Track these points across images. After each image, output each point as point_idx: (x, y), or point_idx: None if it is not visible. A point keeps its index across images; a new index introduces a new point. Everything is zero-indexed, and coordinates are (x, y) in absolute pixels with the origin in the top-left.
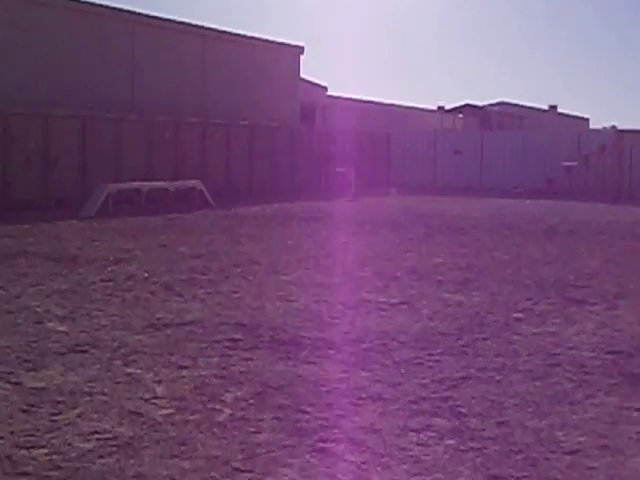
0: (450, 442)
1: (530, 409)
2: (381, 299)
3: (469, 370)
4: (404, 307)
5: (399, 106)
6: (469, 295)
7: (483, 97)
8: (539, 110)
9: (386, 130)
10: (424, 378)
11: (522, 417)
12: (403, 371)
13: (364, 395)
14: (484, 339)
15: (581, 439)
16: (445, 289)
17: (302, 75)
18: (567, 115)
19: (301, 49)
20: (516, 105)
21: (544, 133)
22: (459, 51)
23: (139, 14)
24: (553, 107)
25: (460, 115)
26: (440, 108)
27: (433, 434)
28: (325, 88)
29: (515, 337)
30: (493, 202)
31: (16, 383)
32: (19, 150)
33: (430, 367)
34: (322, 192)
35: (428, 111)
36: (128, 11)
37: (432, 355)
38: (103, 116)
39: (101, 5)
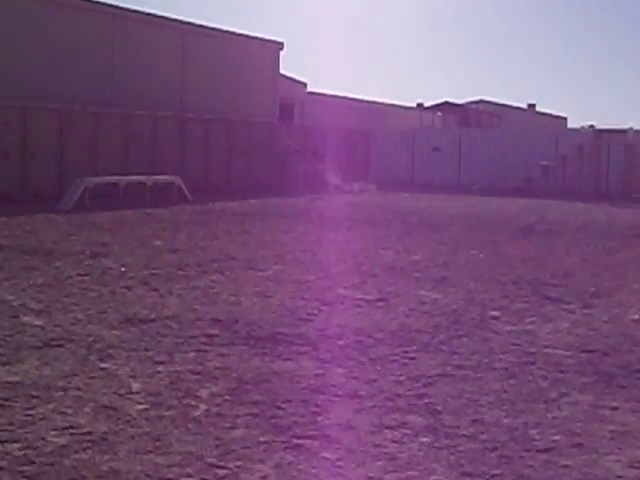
0: (425, 439)
1: (505, 407)
2: (358, 296)
3: (445, 368)
4: (381, 304)
5: (379, 103)
6: (446, 292)
7: (462, 95)
8: (518, 108)
9: (366, 127)
10: (400, 375)
11: (497, 415)
12: (379, 368)
13: (340, 392)
14: (460, 337)
15: (555, 437)
16: (422, 286)
17: (281, 71)
18: (545, 114)
19: (281, 45)
20: (495, 103)
21: (523, 131)
22: (439, 49)
23: (118, 7)
24: (532, 105)
25: (439, 113)
26: (419, 105)
27: (408, 431)
28: (305, 84)
29: (491, 335)
30: (471, 200)
31: None
32: None
33: (406, 364)
34: (300, 188)
35: (407, 108)
36: (108, 4)
37: (408, 352)
38: (81, 110)
39: None
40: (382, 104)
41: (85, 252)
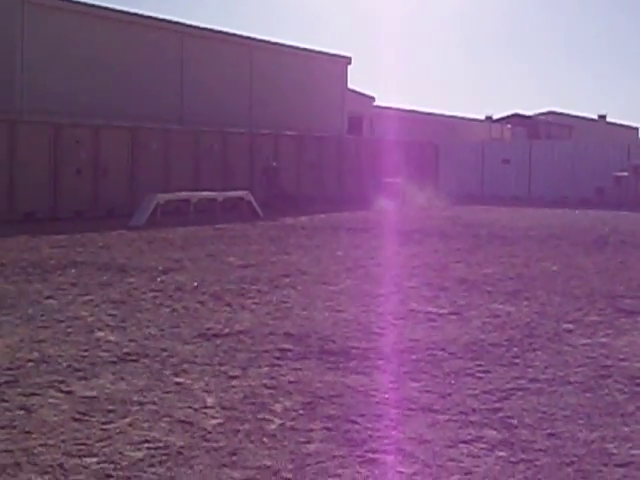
0: (501, 454)
1: (581, 421)
2: (430, 309)
3: (519, 381)
4: (453, 317)
5: (447, 116)
6: (519, 306)
7: (531, 107)
8: (588, 119)
9: (434, 140)
10: (474, 389)
11: (573, 429)
12: (453, 382)
13: (414, 406)
14: (534, 350)
15: (633, 451)
16: (494, 299)
17: (349, 85)
18: (616, 124)
19: (348, 59)
20: (565, 114)
21: (593, 142)
22: (508, 60)
23: (187, 25)
24: (602, 116)
25: (508, 125)
26: (488, 118)
27: (484, 445)
28: (372, 98)
29: (565, 348)
30: (542, 212)
31: (68, 392)
32: (70, 160)
33: (480, 378)
34: (370, 202)
35: (476, 121)
36: (177, 22)
37: (482, 366)
38: (152, 127)
39: (150, 17)
40: (451, 117)
41: (158, 268)
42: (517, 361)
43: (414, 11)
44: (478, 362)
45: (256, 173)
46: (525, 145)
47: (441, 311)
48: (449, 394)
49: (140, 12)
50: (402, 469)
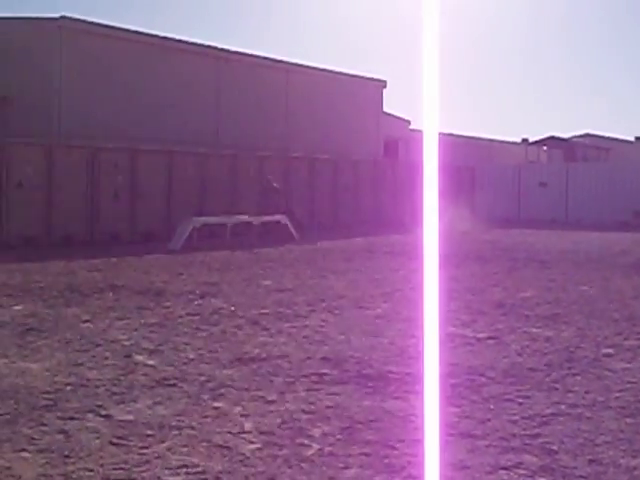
0: None
1: (623, 447)
2: (468, 333)
3: (559, 406)
4: (491, 342)
5: (483, 139)
6: (557, 330)
7: (568, 129)
8: (625, 141)
9: (470, 163)
10: (514, 414)
11: (615, 455)
12: (492, 407)
13: (453, 431)
14: (574, 375)
15: None
16: (533, 323)
17: (385, 109)
18: None
19: (384, 83)
20: (601, 137)
21: (631, 164)
22: (543, 83)
23: (223, 50)
24: (639, 138)
25: (545, 147)
26: (524, 141)
27: (524, 472)
28: (408, 121)
29: (606, 373)
30: (579, 235)
31: (106, 416)
32: (107, 184)
33: (520, 403)
34: (406, 225)
35: (512, 144)
36: (213, 47)
37: (521, 391)
38: (188, 151)
39: (186, 41)
40: (487, 140)
41: (195, 292)
42: (557, 386)
43: (450, 34)
44: (517, 387)
45: (256, 195)
46: (562, 168)
47: (479, 335)
48: (488, 419)
49: (176, 37)
50: None
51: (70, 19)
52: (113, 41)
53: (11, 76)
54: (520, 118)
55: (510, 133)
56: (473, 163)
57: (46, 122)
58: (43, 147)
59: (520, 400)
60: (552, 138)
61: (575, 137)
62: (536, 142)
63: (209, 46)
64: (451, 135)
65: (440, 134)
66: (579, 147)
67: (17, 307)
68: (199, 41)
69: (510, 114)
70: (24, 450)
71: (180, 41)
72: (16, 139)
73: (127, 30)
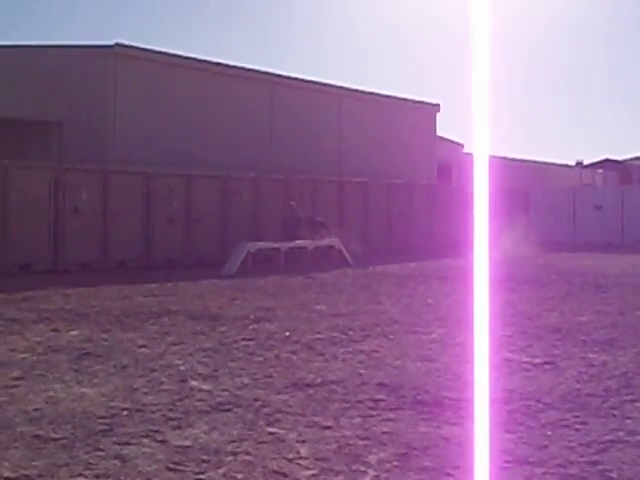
0: None
1: None
2: (524, 359)
3: (618, 433)
4: (548, 367)
5: (537, 162)
6: (615, 355)
7: (623, 152)
8: None
9: (525, 186)
10: (571, 441)
11: None
12: (549, 433)
13: (510, 458)
14: (632, 401)
15: None
16: (590, 349)
17: (438, 133)
18: None
19: (437, 107)
20: None
21: None
22: (597, 105)
23: (276, 75)
24: None
25: (600, 170)
26: (579, 163)
27: None
28: (461, 145)
29: None
30: (635, 258)
31: (162, 441)
32: (162, 210)
33: (577, 430)
34: (460, 249)
35: (567, 166)
36: (266, 72)
37: (579, 417)
38: (242, 176)
39: (240, 67)
40: (541, 163)
41: (250, 317)
42: (615, 412)
43: (501, 54)
44: (574, 413)
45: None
46: (617, 190)
47: (535, 360)
48: (546, 446)
49: (231, 63)
50: None
51: (125, 46)
52: (167, 67)
53: (67, 103)
54: (574, 140)
55: (564, 156)
56: (527, 186)
57: (101, 148)
58: (99, 173)
59: (577, 426)
60: (607, 161)
61: (631, 159)
62: (591, 165)
63: (263, 72)
64: (504, 158)
65: (492, 157)
66: (634, 169)
67: (73, 332)
68: (253, 67)
69: (564, 136)
70: (81, 475)
71: (234, 67)
72: (72, 165)
73: (181, 56)
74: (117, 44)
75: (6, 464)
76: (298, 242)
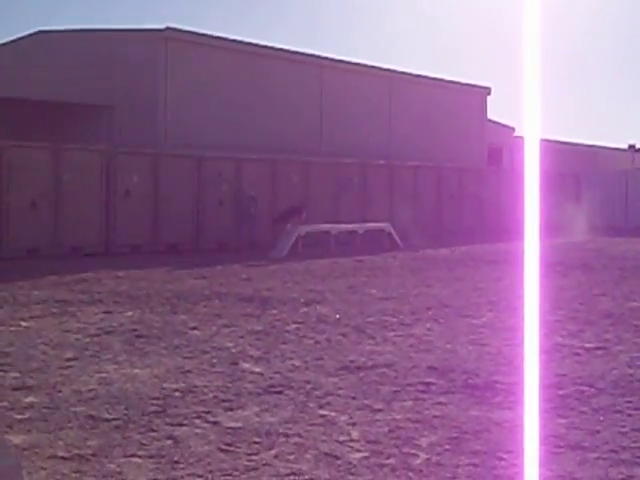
0: None
1: None
2: (576, 344)
3: None
4: (600, 352)
5: (589, 145)
6: None
7: None
8: None
9: (576, 170)
10: (623, 426)
11: None
12: (601, 418)
13: (562, 443)
14: None
15: None
16: None
17: (489, 116)
18: None
19: (488, 90)
20: None
21: None
22: None
23: (326, 58)
24: None
25: None
26: (631, 147)
27: None
28: (512, 129)
29: None
30: None
31: (214, 422)
32: (212, 192)
33: (630, 415)
34: (510, 233)
35: (619, 150)
36: (316, 56)
37: (631, 403)
38: (292, 159)
39: (290, 50)
40: (593, 146)
41: (300, 300)
42: None
43: (552, 37)
44: (627, 398)
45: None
46: None
47: (587, 345)
48: (598, 431)
49: (280, 46)
50: None
51: (176, 30)
52: (218, 51)
53: (118, 86)
54: (626, 124)
55: (617, 139)
56: (579, 170)
57: (152, 132)
58: (150, 156)
59: (630, 412)
60: None
61: None
62: None
63: (313, 55)
64: (556, 142)
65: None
66: None
67: (125, 314)
68: (303, 50)
69: (616, 120)
70: (134, 455)
71: (284, 50)
72: (124, 148)
73: (232, 40)
74: (168, 28)
75: (60, 444)
76: (347, 226)
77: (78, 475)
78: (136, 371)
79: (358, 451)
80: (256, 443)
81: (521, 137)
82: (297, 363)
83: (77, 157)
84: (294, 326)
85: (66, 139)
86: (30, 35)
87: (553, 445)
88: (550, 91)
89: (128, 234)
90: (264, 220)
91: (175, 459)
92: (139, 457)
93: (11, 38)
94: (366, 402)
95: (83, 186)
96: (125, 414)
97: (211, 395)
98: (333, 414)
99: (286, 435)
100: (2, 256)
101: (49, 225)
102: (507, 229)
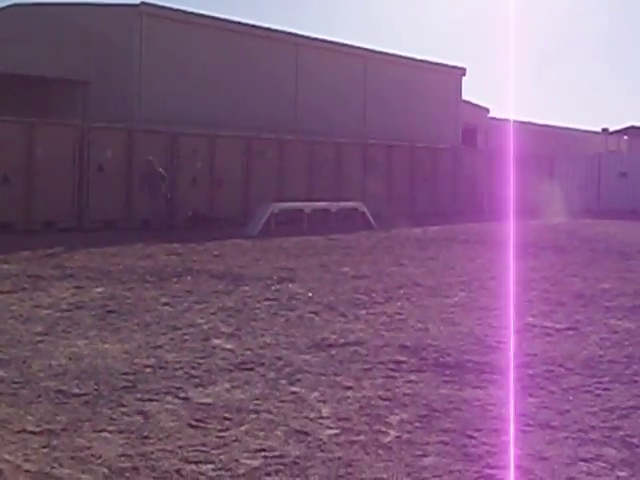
0: (621, 474)
1: None
2: (547, 324)
3: (639, 399)
4: (570, 333)
5: (562, 128)
6: (638, 322)
7: None
8: None
9: (549, 152)
10: (593, 406)
11: None
12: (571, 398)
13: (531, 422)
14: None
15: None
16: (612, 315)
17: (464, 97)
18: None
19: (463, 70)
20: None
21: None
22: (624, 71)
23: (302, 36)
24: None
25: (625, 137)
26: (604, 130)
27: (603, 464)
28: (487, 110)
29: None
30: None
31: (184, 398)
32: (186, 169)
33: (598, 395)
34: (483, 214)
35: (592, 133)
36: (291, 33)
37: (601, 383)
38: (267, 137)
39: (265, 27)
40: (566, 129)
41: (272, 277)
42: (636, 379)
43: (528, 22)
44: (596, 379)
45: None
46: None
47: (558, 326)
48: (567, 411)
49: (255, 23)
50: None
51: (150, 5)
52: (192, 27)
53: (93, 62)
54: (600, 107)
55: (590, 122)
56: (552, 152)
57: (126, 107)
58: (123, 131)
59: (599, 392)
60: (633, 127)
61: None
62: (617, 131)
63: (288, 32)
64: (530, 124)
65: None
66: None
67: (97, 289)
68: (278, 27)
69: (590, 103)
70: (104, 430)
71: (259, 27)
72: (97, 123)
73: (206, 16)
74: (143, 3)
75: (30, 418)
76: (321, 204)
77: (47, 450)
78: (107, 346)
79: (329, 428)
80: (226, 419)
81: (496, 118)
82: (268, 340)
83: (50, 132)
84: (266, 303)
85: (41, 114)
86: (4, 8)
87: (523, 424)
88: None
89: (101, 210)
90: (236, 197)
91: (145, 434)
92: (109, 432)
93: None
94: (337, 379)
95: (56, 161)
96: (95, 389)
97: (182, 371)
98: (304, 391)
99: (256, 411)
100: None
101: (22, 200)
102: (481, 209)
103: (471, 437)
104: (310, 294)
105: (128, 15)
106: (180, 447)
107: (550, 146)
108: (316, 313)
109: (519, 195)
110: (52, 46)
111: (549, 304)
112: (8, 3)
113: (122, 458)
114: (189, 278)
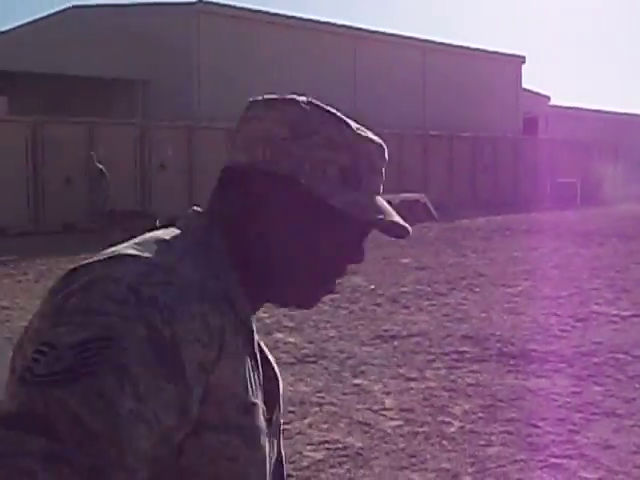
0: None
1: None
2: (612, 312)
3: None
4: (636, 320)
5: (627, 114)
6: None
7: None
8: None
9: (613, 140)
10: None
11: None
12: (637, 386)
13: (597, 410)
14: None
15: None
16: None
17: (524, 85)
18: None
19: (522, 59)
20: None
21: None
22: None
23: (359, 29)
24: None
25: None
26: None
27: None
28: (547, 97)
29: None
30: None
31: None
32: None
33: None
34: (547, 203)
35: None
36: (349, 26)
37: None
38: None
39: (322, 22)
40: (631, 115)
41: None
42: None
43: (590, 8)
44: None
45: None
46: None
47: (623, 313)
48: (633, 399)
49: (313, 17)
50: (586, 475)
51: (207, 3)
52: (249, 23)
53: (151, 61)
54: None
55: None
56: (616, 139)
57: (186, 105)
58: (184, 129)
59: None
60: None
61: None
62: None
63: (346, 26)
64: (592, 111)
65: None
66: None
67: None
68: (335, 21)
69: None
70: None
71: (317, 22)
72: (157, 122)
73: (264, 12)
74: (199, 1)
75: None
76: (382, 196)
77: None
78: None
79: (392, 419)
80: (290, 412)
81: (557, 106)
82: (331, 333)
83: (111, 132)
84: (328, 296)
85: (102, 114)
86: (64, 10)
87: (588, 412)
88: (588, 61)
89: (163, 207)
90: None
91: None
92: None
93: (45, 14)
94: (400, 371)
95: (117, 160)
96: None
97: None
98: (367, 383)
99: (320, 404)
100: None
101: (84, 200)
102: (543, 199)
103: (536, 426)
104: (372, 286)
105: (185, 13)
106: None
107: (614, 133)
108: (378, 305)
109: (582, 183)
110: (110, 46)
111: (614, 291)
112: (67, 5)
113: None
114: None
